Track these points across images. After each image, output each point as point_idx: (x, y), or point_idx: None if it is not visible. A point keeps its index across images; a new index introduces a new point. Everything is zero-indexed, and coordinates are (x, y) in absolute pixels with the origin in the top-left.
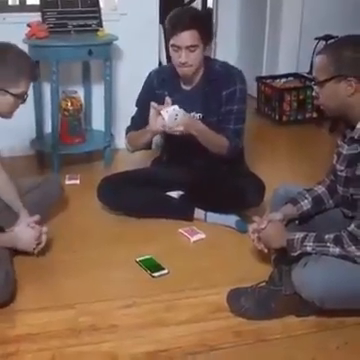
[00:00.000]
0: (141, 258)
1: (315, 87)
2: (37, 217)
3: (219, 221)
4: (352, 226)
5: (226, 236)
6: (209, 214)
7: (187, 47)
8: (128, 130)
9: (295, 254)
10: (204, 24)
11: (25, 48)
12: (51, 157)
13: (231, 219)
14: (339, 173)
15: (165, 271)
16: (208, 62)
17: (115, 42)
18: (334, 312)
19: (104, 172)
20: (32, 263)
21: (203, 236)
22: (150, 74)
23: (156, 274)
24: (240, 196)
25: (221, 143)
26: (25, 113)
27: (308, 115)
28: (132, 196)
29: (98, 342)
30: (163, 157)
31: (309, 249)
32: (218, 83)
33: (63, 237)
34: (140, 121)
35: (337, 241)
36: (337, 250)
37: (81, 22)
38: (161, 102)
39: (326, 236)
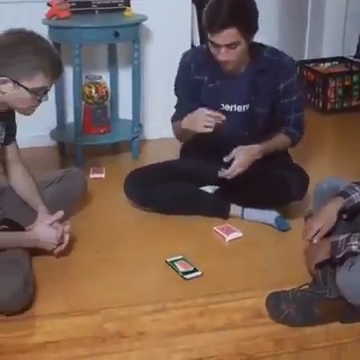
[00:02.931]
0: (172, 259)
1: None
2: (60, 214)
3: (257, 218)
4: None
5: (265, 235)
6: (246, 210)
7: (227, 45)
8: (174, 119)
9: (339, 256)
10: (245, 17)
11: (45, 29)
12: (73, 149)
13: (271, 216)
14: None
15: (198, 273)
16: (255, 49)
17: (144, 22)
18: None
19: (131, 165)
20: (52, 264)
21: (239, 235)
22: (184, 56)
23: (188, 276)
24: (283, 189)
25: (285, 144)
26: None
27: (354, 103)
28: (162, 191)
29: (125, 350)
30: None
31: (355, 248)
32: (271, 74)
33: (86, 236)
34: (186, 110)
35: None
36: None
37: (106, 1)
38: (199, 88)
39: None
